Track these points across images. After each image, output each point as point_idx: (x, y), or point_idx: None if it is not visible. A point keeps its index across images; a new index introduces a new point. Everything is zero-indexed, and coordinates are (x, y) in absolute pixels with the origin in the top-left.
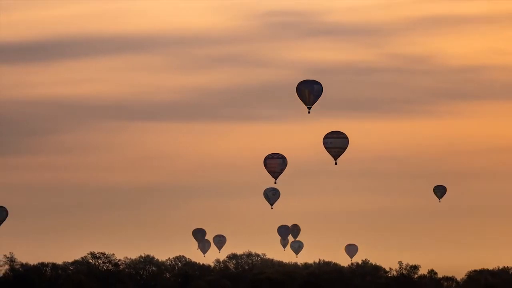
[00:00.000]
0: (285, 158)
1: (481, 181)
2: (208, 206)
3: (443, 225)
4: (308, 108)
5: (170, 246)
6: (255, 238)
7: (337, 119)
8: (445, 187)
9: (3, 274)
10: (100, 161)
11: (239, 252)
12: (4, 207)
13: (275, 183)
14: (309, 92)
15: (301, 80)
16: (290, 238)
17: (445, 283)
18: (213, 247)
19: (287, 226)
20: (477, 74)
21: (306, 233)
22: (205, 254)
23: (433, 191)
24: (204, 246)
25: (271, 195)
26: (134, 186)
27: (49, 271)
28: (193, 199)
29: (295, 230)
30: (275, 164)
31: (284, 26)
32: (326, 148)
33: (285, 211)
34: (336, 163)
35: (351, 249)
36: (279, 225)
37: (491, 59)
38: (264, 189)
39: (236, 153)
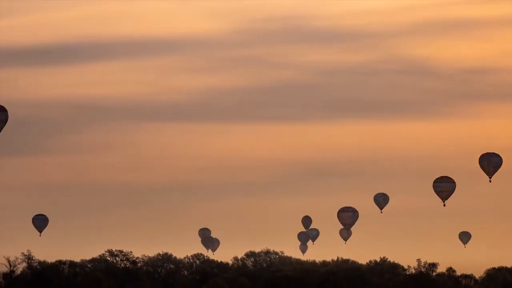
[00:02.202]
0: (356, 211)
1: (499, 180)
2: (225, 205)
3: (461, 223)
4: (489, 177)
5: (188, 244)
6: (273, 236)
7: (338, 119)
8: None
9: (21, 271)
10: (118, 160)
11: (257, 250)
12: (44, 215)
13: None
14: (488, 163)
15: (482, 153)
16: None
17: (464, 281)
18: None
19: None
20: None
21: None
22: (214, 252)
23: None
24: (213, 246)
25: (382, 200)
26: (152, 185)
27: (67, 268)
28: (211, 198)
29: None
30: (347, 216)
31: (292, 29)
32: (435, 191)
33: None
34: (444, 205)
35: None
36: (294, 223)
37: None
38: (374, 194)
39: (250, 152)
